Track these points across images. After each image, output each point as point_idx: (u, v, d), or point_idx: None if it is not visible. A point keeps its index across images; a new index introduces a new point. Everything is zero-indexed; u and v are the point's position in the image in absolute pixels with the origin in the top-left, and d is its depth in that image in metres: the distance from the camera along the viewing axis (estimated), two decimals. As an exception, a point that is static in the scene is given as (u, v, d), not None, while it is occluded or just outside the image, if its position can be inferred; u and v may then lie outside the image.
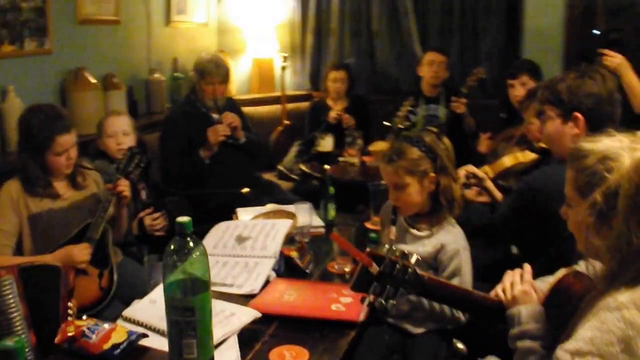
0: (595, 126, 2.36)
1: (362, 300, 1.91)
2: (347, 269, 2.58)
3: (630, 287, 1.44)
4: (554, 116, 2.52)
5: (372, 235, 2.95)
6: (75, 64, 4.17)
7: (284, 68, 5.64)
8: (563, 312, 1.70)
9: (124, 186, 3.04)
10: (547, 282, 1.93)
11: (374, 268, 1.82)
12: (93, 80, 4.20)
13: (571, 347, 1.47)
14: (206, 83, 4.28)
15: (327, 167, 4.19)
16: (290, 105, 5.63)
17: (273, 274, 2.55)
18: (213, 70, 4.28)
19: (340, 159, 4.50)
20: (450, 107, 4.76)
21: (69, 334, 1.95)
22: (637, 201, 1.44)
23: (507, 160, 3.32)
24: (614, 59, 3.63)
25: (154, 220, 3.50)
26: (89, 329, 1.95)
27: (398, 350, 2.42)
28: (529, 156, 3.28)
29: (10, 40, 3.66)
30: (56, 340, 1.97)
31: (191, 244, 1.62)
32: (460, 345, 2.43)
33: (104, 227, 2.93)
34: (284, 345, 2.00)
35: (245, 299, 2.32)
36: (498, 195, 3.03)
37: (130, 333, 1.95)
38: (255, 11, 5.95)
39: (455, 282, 2.35)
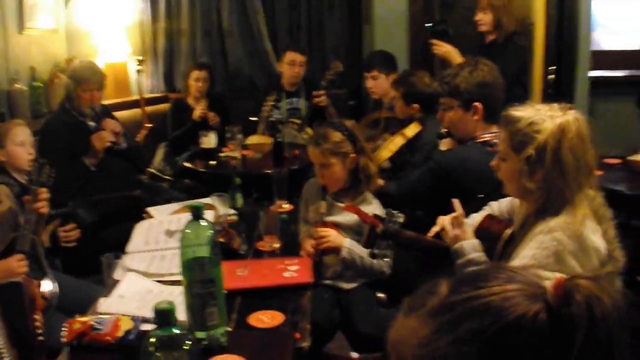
0: (491, 110, 2.99)
1: (372, 255, 2.40)
2: (276, 246, 3.01)
3: (555, 216, 2.06)
4: (455, 106, 3.10)
5: (283, 216, 3.40)
6: None
7: (139, 71, 5.85)
8: (487, 247, 2.41)
9: (43, 196, 3.14)
10: (470, 225, 2.49)
11: (380, 228, 2.34)
12: None
13: (517, 264, 2.04)
14: (83, 90, 4.44)
15: (212, 162, 4.60)
16: (148, 108, 5.85)
17: None
18: (90, 77, 4.46)
19: (222, 154, 4.88)
20: (313, 101, 5.33)
21: (77, 331, 2.16)
22: (558, 153, 2.09)
23: (392, 146, 3.89)
24: (441, 47, 4.33)
25: (66, 232, 3.58)
26: (96, 322, 2.17)
27: (336, 306, 2.98)
28: (410, 133, 3.88)
29: None
30: (65, 339, 2.16)
31: (205, 224, 2.01)
32: (381, 295, 3.07)
33: (31, 238, 3.03)
34: (258, 312, 2.34)
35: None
36: None
37: (134, 319, 2.20)
38: (104, 14, 6.03)
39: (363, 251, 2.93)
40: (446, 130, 3.39)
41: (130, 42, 6.24)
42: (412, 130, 3.98)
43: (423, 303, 0.96)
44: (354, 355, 2.91)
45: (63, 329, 2.22)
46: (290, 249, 3.03)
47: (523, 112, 2.20)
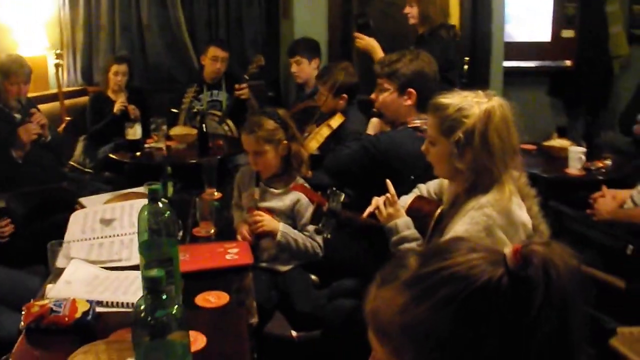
0: (423, 98, 3.22)
1: (317, 232, 2.59)
2: (211, 231, 3.15)
3: (485, 193, 2.31)
4: (391, 89, 3.31)
5: (215, 203, 3.54)
6: None
7: (57, 65, 5.85)
8: (417, 226, 2.63)
9: None
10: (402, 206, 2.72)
11: (326, 206, 2.52)
12: None
13: None
14: (11, 83, 4.52)
15: (138, 153, 4.70)
16: (67, 102, 5.87)
17: None
18: (18, 70, 4.53)
19: (147, 145, 4.98)
20: (235, 94, 5.50)
21: (36, 314, 2.22)
22: (486, 136, 2.31)
23: (319, 137, 4.10)
24: (362, 41, 4.55)
25: (0, 228, 3.66)
26: (54, 304, 2.23)
27: (274, 287, 3.17)
28: (335, 124, 4.10)
29: None
30: (23, 322, 2.22)
31: (161, 206, 2.15)
32: (313, 277, 3.29)
33: None
34: (204, 292, 2.46)
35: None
36: None
37: (89, 301, 2.28)
38: (22, 8, 6.03)
39: (311, 227, 3.13)
40: (377, 110, 3.60)
41: (48, 36, 6.24)
42: (336, 121, 4.21)
43: (396, 276, 1.08)
44: (294, 333, 3.09)
45: (22, 312, 2.30)
46: (225, 234, 3.18)
47: (451, 99, 2.41)
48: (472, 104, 2.35)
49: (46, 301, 2.32)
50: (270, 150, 3.16)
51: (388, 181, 2.74)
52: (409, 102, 3.29)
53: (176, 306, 1.55)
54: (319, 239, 3.17)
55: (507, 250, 1.02)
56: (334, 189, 2.77)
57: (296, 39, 5.66)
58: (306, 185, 3.22)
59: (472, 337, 0.99)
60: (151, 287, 1.53)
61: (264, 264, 3.21)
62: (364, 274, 3.02)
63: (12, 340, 2.77)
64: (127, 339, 2.03)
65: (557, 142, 4.73)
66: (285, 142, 3.17)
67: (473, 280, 1.00)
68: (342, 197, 2.74)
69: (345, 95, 4.33)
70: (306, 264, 3.30)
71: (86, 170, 5.48)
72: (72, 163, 5.52)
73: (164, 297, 1.54)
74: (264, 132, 3.14)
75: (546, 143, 4.71)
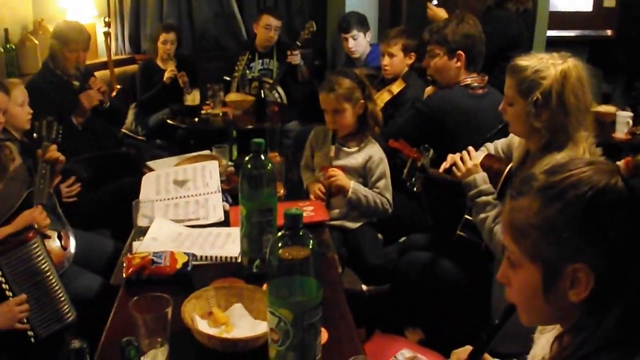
0: (472, 59, 3.36)
1: (410, 186, 2.73)
2: (281, 192, 3.22)
3: (560, 151, 2.42)
4: (441, 54, 3.47)
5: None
6: None
7: (106, 34, 5.94)
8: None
9: (55, 151, 3.32)
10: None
11: (421, 161, 2.66)
12: None
13: None
14: (70, 51, 4.60)
15: (195, 119, 4.83)
16: (116, 70, 5.93)
17: (227, 205, 3.14)
18: (77, 37, 4.62)
19: (203, 111, 5.11)
20: (287, 59, 5.61)
21: (137, 265, 2.34)
22: (562, 96, 2.47)
23: (379, 101, 4.23)
24: (431, 11, 4.75)
25: (68, 187, 3.76)
26: (154, 256, 2.38)
27: (343, 244, 3.34)
28: (396, 89, 4.22)
29: None
30: (125, 274, 2.34)
31: (263, 158, 2.27)
32: (379, 235, 3.44)
33: (48, 191, 3.19)
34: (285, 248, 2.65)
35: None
36: None
37: (187, 254, 2.42)
38: None
39: (381, 183, 3.32)
40: (431, 76, 3.76)
41: (96, 4, 6.33)
42: (397, 86, 4.34)
43: (528, 187, 1.34)
44: (365, 287, 3.24)
45: (123, 264, 2.44)
46: (293, 195, 3.32)
47: (528, 62, 2.55)
48: (548, 65, 2.50)
49: (146, 253, 2.45)
50: (348, 108, 3.30)
51: (470, 147, 2.87)
52: (459, 64, 3.49)
53: (311, 242, 1.66)
54: (389, 195, 3.33)
55: (620, 162, 1.30)
56: (426, 145, 2.90)
57: (347, 14, 5.75)
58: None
59: (595, 230, 1.25)
60: (291, 224, 1.65)
61: (334, 222, 3.35)
62: (430, 229, 3.18)
63: (90, 299, 2.95)
64: (234, 286, 2.19)
65: (602, 107, 4.83)
66: (362, 100, 3.30)
67: (595, 184, 1.26)
68: (432, 153, 2.87)
69: (414, 54, 4.48)
70: (371, 222, 3.44)
71: (138, 137, 5.63)
72: (124, 130, 5.66)
73: (301, 234, 1.65)
74: (343, 90, 3.27)
75: (592, 109, 4.79)
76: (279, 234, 1.69)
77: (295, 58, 5.62)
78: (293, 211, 1.67)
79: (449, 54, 3.48)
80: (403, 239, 3.52)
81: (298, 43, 5.60)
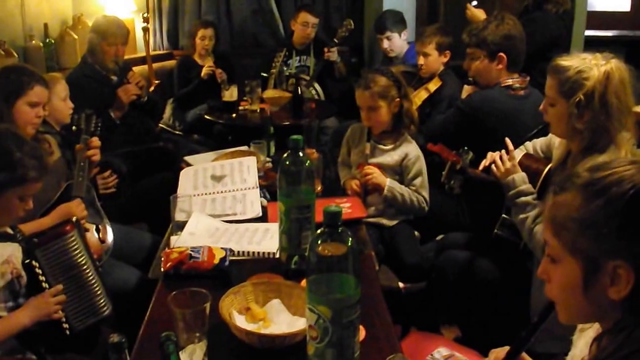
0: (513, 60, 3.34)
1: (449, 189, 2.73)
2: (319, 188, 3.23)
3: (601, 153, 2.41)
4: (482, 57, 3.43)
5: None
6: None
7: (145, 29, 6.00)
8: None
9: (97, 142, 3.36)
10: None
11: (460, 164, 2.66)
12: None
13: None
14: (108, 45, 4.65)
15: (233, 115, 4.86)
16: (154, 65, 6.02)
17: (264, 200, 3.13)
18: (116, 32, 4.67)
19: (240, 107, 5.14)
20: (324, 56, 5.63)
21: (175, 260, 2.39)
22: (605, 97, 2.45)
23: (417, 99, 4.22)
24: (469, 12, 4.66)
25: (104, 180, 3.76)
26: (192, 251, 2.42)
27: (380, 241, 3.34)
28: (433, 87, 4.21)
29: None
30: (163, 268, 2.40)
31: (301, 155, 2.28)
32: (416, 233, 3.43)
33: (86, 184, 3.20)
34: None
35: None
36: None
37: (224, 249, 2.46)
38: None
39: (418, 181, 3.31)
40: (472, 78, 3.71)
41: (135, 0, 6.39)
42: (434, 84, 4.32)
43: (571, 183, 1.38)
44: (401, 285, 3.24)
45: (161, 259, 2.48)
46: (330, 191, 3.32)
47: (570, 62, 2.53)
48: (591, 66, 2.47)
49: (184, 248, 2.49)
50: (383, 106, 3.29)
51: (507, 139, 2.84)
52: (500, 66, 3.46)
53: (350, 239, 1.65)
54: (425, 193, 3.32)
55: None
56: (465, 148, 2.89)
57: (383, 14, 5.72)
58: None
59: (635, 228, 1.27)
60: (330, 221, 1.65)
61: (371, 219, 3.34)
62: (468, 228, 3.16)
63: (128, 292, 2.98)
64: (272, 282, 2.19)
65: (640, 108, 4.75)
66: (397, 99, 3.29)
67: (637, 183, 1.29)
68: (471, 155, 2.86)
69: (449, 52, 4.47)
70: (408, 220, 3.44)
71: (176, 132, 5.67)
72: (161, 125, 5.71)
73: (340, 231, 1.65)
74: (378, 88, 3.27)
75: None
76: (319, 230, 1.69)
77: (333, 55, 5.61)
78: (333, 208, 1.67)
79: (490, 57, 3.44)
80: (440, 237, 3.51)
81: (335, 40, 5.59)
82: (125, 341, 1.41)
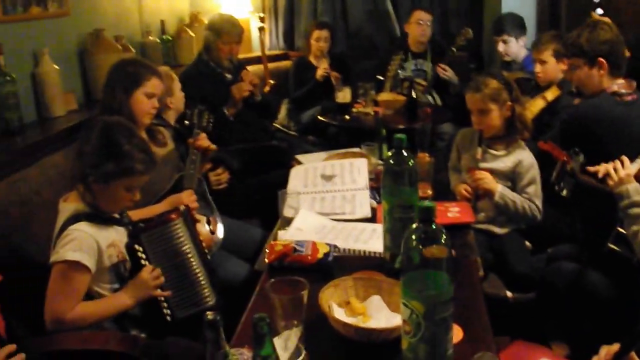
0: (615, 64, 3.31)
1: (559, 190, 2.74)
2: (429, 192, 3.29)
3: None
4: (581, 65, 3.40)
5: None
6: (92, 25, 4.49)
7: (261, 29, 6.19)
8: None
9: (205, 139, 3.54)
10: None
11: (571, 165, 2.68)
12: (113, 43, 4.54)
13: None
14: (223, 43, 4.85)
15: (346, 117, 4.96)
16: (270, 65, 6.19)
17: (374, 202, 3.18)
18: (231, 30, 4.86)
19: (354, 109, 5.25)
20: (436, 70, 5.70)
21: (279, 252, 2.51)
22: None
23: (534, 108, 4.20)
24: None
25: (217, 176, 3.96)
26: (297, 244, 2.53)
27: (489, 249, 3.36)
28: (551, 96, 4.19)
29: (36, 1, 3.87)
30: (268, 259, 2.52)
31: (405, 154, 2.35)
32: (527, 243, 3.44)
33: (197, 177, 3.40)
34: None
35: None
36: None
37: (329, 244, 2.56)
38: None
39: (531, 189, 3.31)
40: (576, 89, 3.72)
41: (251, 0, 6.63)
42: (552, 93, 4.30)
43: None
44: (509, 294, 3.25)
45: (266, 251, 2.60)
46: (441, 196, 3.34)
47: None
48: None
49: (288, 241, 2.60)
50: (494, 109, 3.32)
51: (624, 157, 2.83)
52: (602, 71, 3.38)
53: (444, 236, 1.72)
54: (538, 201, 3.32)
55: None
56: (576, 149, 2.89)
57: (501, 16, 5.72)
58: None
59: None
60: (424, 217, 1.72)
61: (480, 225, 3.38)
62: (580, 239, 3.15)
63: (237, 284, 3.12)
64: (373, 278, 2.27)
65: None
66: (509, 103, 3.31)
67: None
68: (582, 158, 2.86)
69: (566, 60, 4.39)
70: (519, 229, 3.46)
71: (290, 133, 5.82)
72: (276, 125, 5.86)
73: (434, 227, 1.72)
74: (489, 91, 3.30)
75: None
76: (413, 226, 1.74)
77: (445, 72, 5.68)
78: (426, 204, 1.72)
79: (589, 63, 3.38)
80: (553, 248, 3.50)
81: (453, 49, 5.61)
82: (220, 319, 1.49)
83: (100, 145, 2.51)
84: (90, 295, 2.52)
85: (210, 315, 1.49)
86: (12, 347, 1.81)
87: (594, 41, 3.37)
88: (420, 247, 1.69)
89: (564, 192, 2.91)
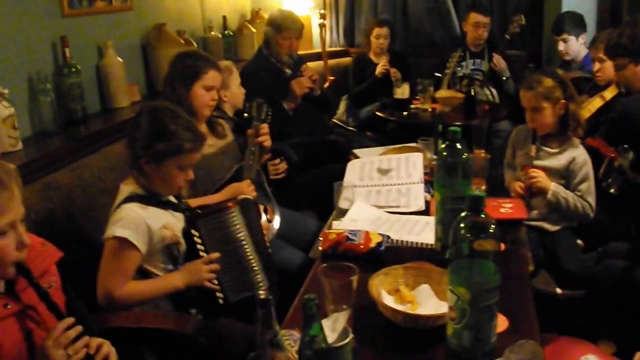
0: None
1: (607, 187, 2.77)
2: (483, 187, 3.27)
3: None
4: (626, 63, 3.41)
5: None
6: (155, 20, 4.61)
7: (321, 26, 6.27)
8: None
9: (266, 129, 3.62)
10: None
11: (619, 162, 2.70)
12: (176, 37, 4.66)
13: None
14: (283, 38, 4.95)
15: (404, 113, 5.01)
16: (330, 61, 6.30)
17: (428, 195, 3.23)
18: (291, 26, 4.96)
19: (412, 106, 5.33)
20: (492, 63, 5.74)
21: (333, 241, 2.59)
22: None
23: (591, 107, 4.19)
24: None
25: (275, 166, 4.06)
26: (350, 233, 2.61)
27: (541, 245, 3.40)
28: (609, 95, 4.18)
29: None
30: (322, 247, 2.61)
31: (459, 147, 2.40)
32: (579, 241, 3.44)
33: (256, 168, 3.49)
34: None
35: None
36: None
37: (381, 235, 2.63)
38: None
39: (584, 186, 3.33)
40: (624, 90, 3.72)
41: (312, -3, 6.70)
42: (610, 92, 4.27)
43: None
44: (559, 291, 3.28)
45: (320, 239, 2.69)
46: (495, 192, 3.34)
47: None
48: None
49: (342, 230, 2.69)
50: (547, 107, 3.35)
51: None
52: None
53: (492, 225, 1.77)
54: (591, 199, 3.34)
55: None
56: (625, 146, 2.91)
57: (561, 14, 5.67)
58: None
59: None
60: (473, 205, 1.79)
61: (533, 222, 3.42)
62: (633, 238, 3.16)
63: (293, 272, 3.21)
64: (423, 267, 2.34)
65: None
66: (563, 101, 3.34)
67: None
68: (631, 155, 2.88)
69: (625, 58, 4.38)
70: (572, 227, 3.48)
71: (349, 128, 5.91)
72: (335, 120, 5.97)
73: (483, 215, 1.78)
74: (542, 89, 3.34)
75: None
76: (462, 214, 1.80)
77: (498, 64, 5.73)
78: (476, 193, 1.80)
79: (634, 61, 3.39)
80: (603, 247, 3.50)
81: (507, 37, 5.67)
82: (271, 299, 1.55)
83: (149, 128, 2.64)
84: (146, 275, 2.65)
85: (262, 294, 1.55)
86: (70, 320, 1.91)
87: (636, 38, 3.37)
88: (469, 236, 1.76)
89: (612, 189, 2.91)
